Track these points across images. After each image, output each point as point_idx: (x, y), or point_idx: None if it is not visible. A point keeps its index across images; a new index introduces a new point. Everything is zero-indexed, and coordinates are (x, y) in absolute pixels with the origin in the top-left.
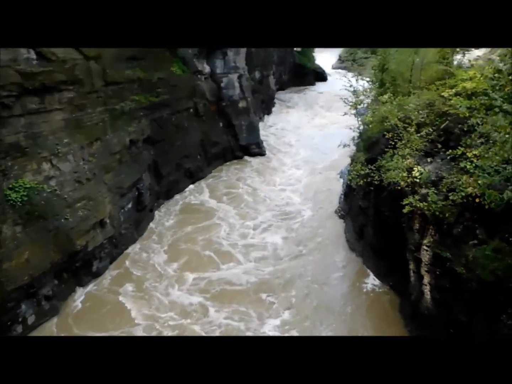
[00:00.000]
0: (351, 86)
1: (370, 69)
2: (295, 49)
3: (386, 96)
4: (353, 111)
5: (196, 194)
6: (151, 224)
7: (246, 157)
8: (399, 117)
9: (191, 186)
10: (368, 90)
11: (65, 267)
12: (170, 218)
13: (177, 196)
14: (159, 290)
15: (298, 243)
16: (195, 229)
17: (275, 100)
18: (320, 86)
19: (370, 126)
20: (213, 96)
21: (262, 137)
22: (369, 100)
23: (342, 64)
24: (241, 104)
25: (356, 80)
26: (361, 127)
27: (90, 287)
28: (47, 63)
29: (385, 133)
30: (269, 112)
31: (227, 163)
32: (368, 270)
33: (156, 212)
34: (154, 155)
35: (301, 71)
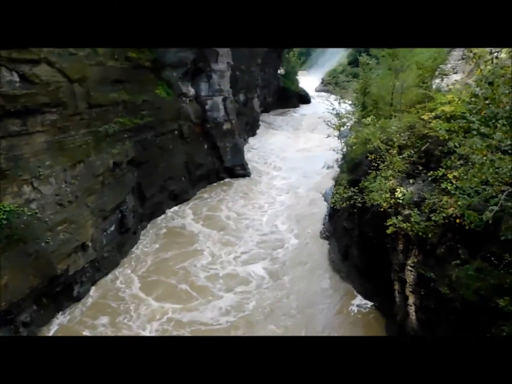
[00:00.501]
0: (334, 109)
1: (352, 92)
2: (279, 72)
3: (369, 119)
4: (336, 133)
5: (180, 217)
6: (133, 249)
7: (231, 179)
8: (381, 139)
9: (175, 208)
10: (351, 113)
11: (45, 292)
12: (152, 242)
13: (160, 219)
14: (132, 327)
15: (281, 272)
16: (176, 256)
17: (260, 122)
18: (304, 108)
19: (353, 147)
20: (197, 118)
21: (246, 159)
22: (351, 122)
23: (325, 87)
24: (226, 126)
25: (339, 103)
26: (344, 149)
27: (67, 316)
28: (31, 85)
29: (368, 154)
30: (253, 134)
31: (212, 184)
32: (354, 291)
33: (139, 235)
34: (138, 177)
35: (285, 93)
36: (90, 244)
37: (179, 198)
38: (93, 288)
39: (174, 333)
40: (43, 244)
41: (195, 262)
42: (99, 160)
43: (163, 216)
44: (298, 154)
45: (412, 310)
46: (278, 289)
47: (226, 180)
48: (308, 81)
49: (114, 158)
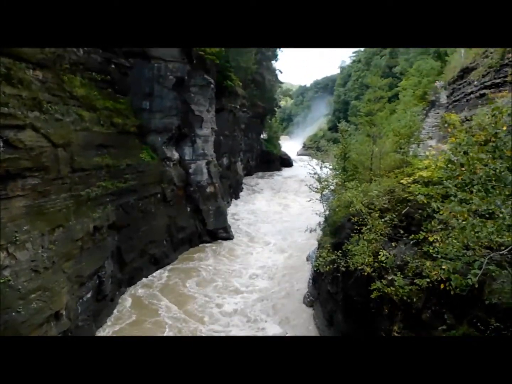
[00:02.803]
0: (315, 173)
1: (333, 156)
2: (262, 136)
3: (352, 183)
4: (319, 196)
5: (155, 287)
6: (109, 318)
7: (214, 242)
8: (363, 202)
9: (155, 273)
10: (332, 177)
11: None
12: (119, 321)
13: (139, 284)
14: None
15: None
16: None
17: (243, 185)
18: (286, 171)
19: (336, 210)
20: (181, 181)
21: (229, 222)
22: (333, 186)
23: (306, 151)
24: (209, 189)
25: (320, 167)
26: (327, 212)
27: None
28: (14, 150)
29: (351, 217)
30: (236, 197)
31: (194, 247)
32: None
33: (117, 302)
34: (118, 241)
35: (268, 157)
36: (64, 313)
37: (160, 263)
38: None
39: None
40: (13, 314)
41: None
42: (79, 225)
43: (142, 281)
44: (281, 217)
45: None
46: None
47: (209, 243)
48: (290, 145)
49: (94, 222)
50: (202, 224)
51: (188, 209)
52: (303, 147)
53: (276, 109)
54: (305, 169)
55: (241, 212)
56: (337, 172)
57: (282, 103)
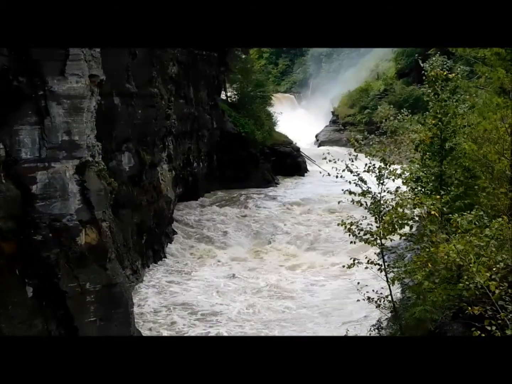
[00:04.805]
0: (366, 192)
1: (413, 147)
2: (223, 96)
3: (468, 216)
4: (373, 253)
5: None
6: None
7: None
8: (494, 269)
9: None
10: (408, 202)
11: None
12: None
13: None
14: None
15: None
16: None
17: (174, 225)
18: (288, 187)
19: (421, 289)
20: (10, 218)
21: (140, 327)
22: (413, 224)
23: (339, 132)
24: (84, 237)
25: (378, 177)
26: (399, 294)
27: None
28: None
29: (463, 306)
30: (158, 257)
31: None
32: None
33: None
34: None
35: (241, 151)
36: None
37: None
38: None
39: None
40: None
41: None
42: None
43: None
44: (277, 310)
45: None
46: None
47: None
48: (299, 118)
49: None
50: (69, 333)
51: (30, 292)
52: (333, 122)
53: None
54: (337, 183)
55: (169, 298)
56: (423, 189)
57: None
